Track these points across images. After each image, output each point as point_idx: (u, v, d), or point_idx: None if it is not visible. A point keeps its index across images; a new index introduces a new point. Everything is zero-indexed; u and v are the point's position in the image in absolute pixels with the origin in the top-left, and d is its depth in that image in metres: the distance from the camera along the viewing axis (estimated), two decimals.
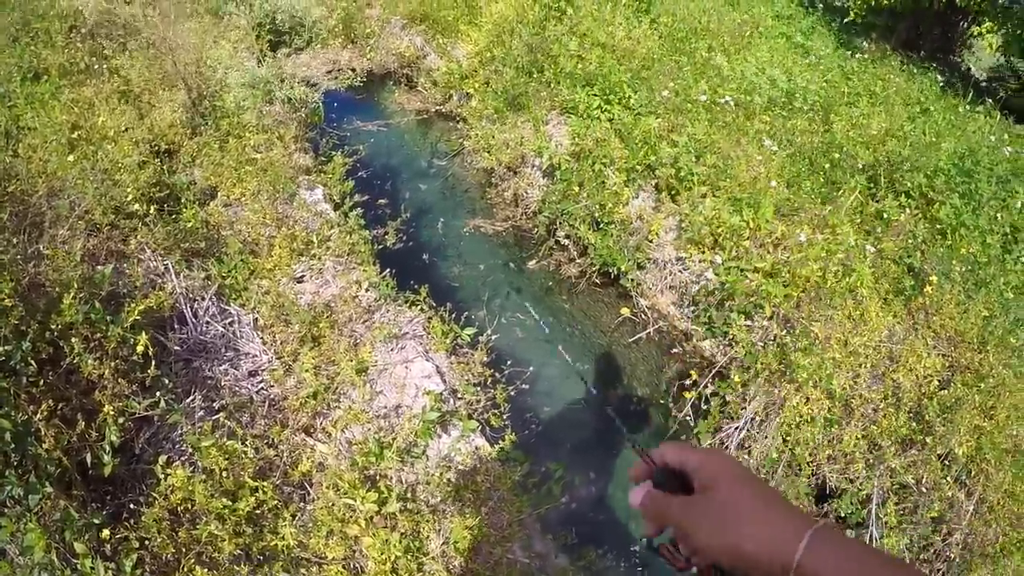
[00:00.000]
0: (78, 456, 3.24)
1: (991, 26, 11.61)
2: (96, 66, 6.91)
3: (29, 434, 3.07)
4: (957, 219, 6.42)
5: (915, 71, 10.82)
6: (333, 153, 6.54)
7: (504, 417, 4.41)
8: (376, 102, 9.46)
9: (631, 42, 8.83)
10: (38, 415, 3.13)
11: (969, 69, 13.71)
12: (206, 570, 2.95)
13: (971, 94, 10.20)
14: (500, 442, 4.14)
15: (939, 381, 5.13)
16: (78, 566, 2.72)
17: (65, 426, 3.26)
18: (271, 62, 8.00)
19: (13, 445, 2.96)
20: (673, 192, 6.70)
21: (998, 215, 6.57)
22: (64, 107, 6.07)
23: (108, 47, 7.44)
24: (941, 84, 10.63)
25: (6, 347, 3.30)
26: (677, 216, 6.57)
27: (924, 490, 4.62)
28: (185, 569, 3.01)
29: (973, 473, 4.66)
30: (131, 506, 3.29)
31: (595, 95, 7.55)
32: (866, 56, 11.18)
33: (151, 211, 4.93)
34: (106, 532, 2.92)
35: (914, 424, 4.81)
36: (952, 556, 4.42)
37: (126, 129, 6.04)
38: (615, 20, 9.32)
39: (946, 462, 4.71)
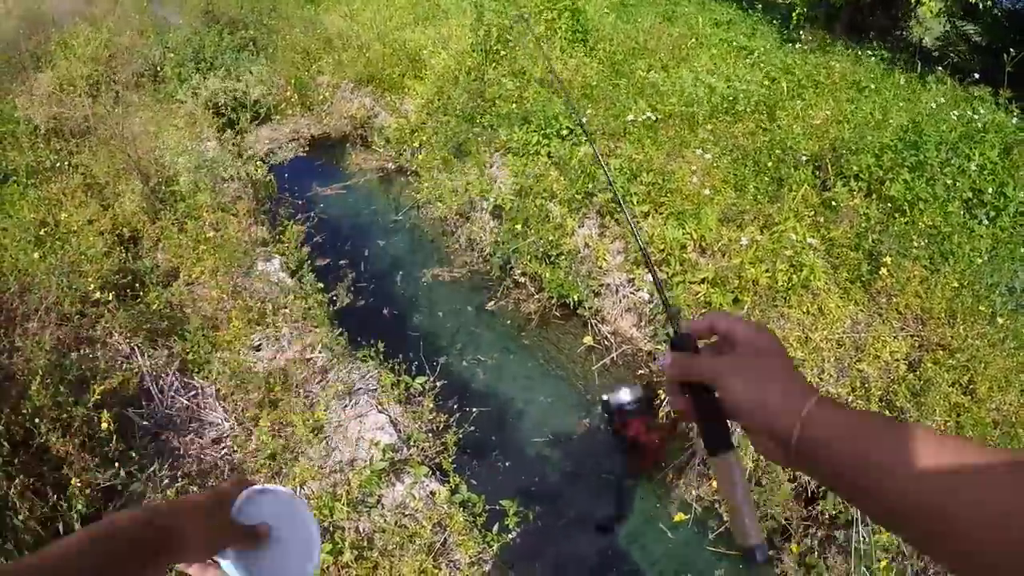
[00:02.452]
0: (51, 526, 3.57)
1: None
2: (60, 163, 7.29)
3: (5, 507, 3.42)
4: (911, 193, 6.39)
5: (860, 54, 10.86)
6: (288, 223, 6.85)
7: (452, 460, 4.60)
8: (335, 165, 9.79)
9: (569, 72, 9.17)
10: (12, 490, 3.49)
11: (921, 41, 13.79)
12: None
13: (919, 66, 10.21)
14: (448, 484, 4.41)
15: (908, 364, 5.14)
16: None
17: (38, 499, 3.61)
18: (227, 141, 8.39)
19: None
20: (615, 215, 6.89)
21: (955, 181, 6.51)
22: (32, 205, 6.42)
23: (70, 145, 7.83)
24: (888, 61, 10.68)
25: None
26: (622, 239, 6.79)
27: None
28: None
29: None
30: None
31: (532, 131, 7.83)
32: (807, 47, 11.28)
33: (111, 298, 5.26)
34: None
35: (886, 412, 4.77)
36: None
37: (91, 221, 6.36)
38: (552, 54, 9.70)
39: None
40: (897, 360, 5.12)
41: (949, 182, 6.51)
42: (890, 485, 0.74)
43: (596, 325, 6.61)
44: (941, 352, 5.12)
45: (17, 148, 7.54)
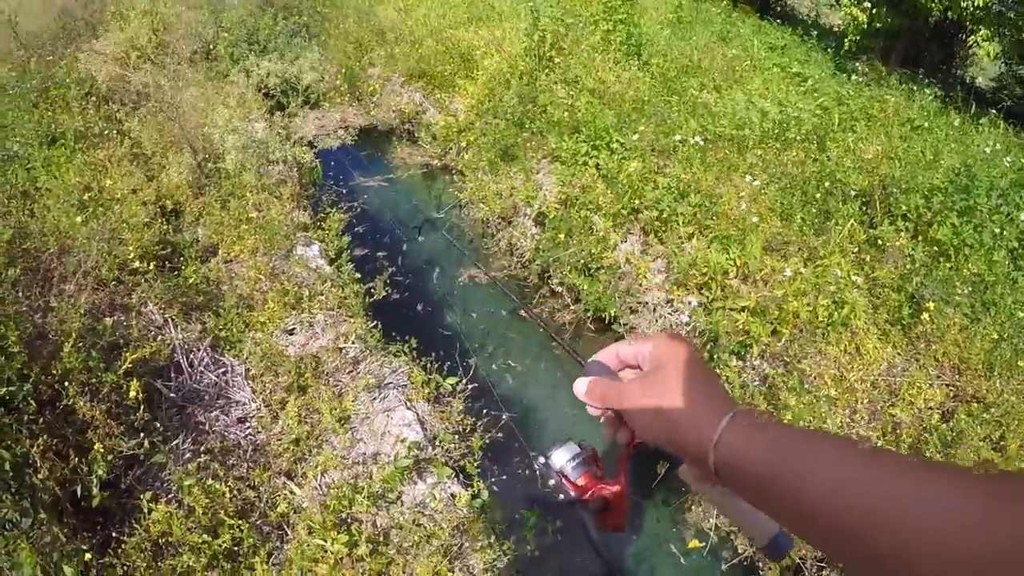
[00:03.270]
0: (70, 488, 3.53)
1: (987, 34, 11.48)
2: (109, 130, 7.31)
3: (27, 465, 3.38)
4: (957, 238, 6.25)
5: (914, 89, 10.70)
6: (331, 210, 6.84)
7: (477, 464, 4.54)
8: (380, 157, 9.80)
9: (621, 85, 9.09)
10: (35, 448, 3.44)
11: (974, 81, 13.60)
12: None
13: (974, 107, 10.03)
14: (471, 489, 4.33)
15: (941, 413, 5.02)
16: None
17: (59, 460, 3.57)
18: (276, 123, 8.38)
19: (12, 474, 3.26)
20: (659, 234, 6.81)
21: (1003, 230, 6.37)
22: (77, 170, 6.42)
23: (121, 112, 7.86)
24: (941, 99, 10.47)
25: (10, 388, 3.61)
26: (664, 258, 6.69)
27: None
28: None
29: None
30: (117, 537, 3.56)
31: (582, 142, 7.75)
32: (862, 79, 11.16)
33: (151, 268, 5.24)
34: (88, 556, 3.20)
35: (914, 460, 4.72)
36: None
37: (134, 190, 6.36)
38: (605, 65, 9.63)
39: None
40: (931, 408, 5.02)
41: (997, 230, 6.38)
42: (809, 498, 0.66)
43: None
44: (976, 405, 5.00)
45: (67, 111, 7.56)
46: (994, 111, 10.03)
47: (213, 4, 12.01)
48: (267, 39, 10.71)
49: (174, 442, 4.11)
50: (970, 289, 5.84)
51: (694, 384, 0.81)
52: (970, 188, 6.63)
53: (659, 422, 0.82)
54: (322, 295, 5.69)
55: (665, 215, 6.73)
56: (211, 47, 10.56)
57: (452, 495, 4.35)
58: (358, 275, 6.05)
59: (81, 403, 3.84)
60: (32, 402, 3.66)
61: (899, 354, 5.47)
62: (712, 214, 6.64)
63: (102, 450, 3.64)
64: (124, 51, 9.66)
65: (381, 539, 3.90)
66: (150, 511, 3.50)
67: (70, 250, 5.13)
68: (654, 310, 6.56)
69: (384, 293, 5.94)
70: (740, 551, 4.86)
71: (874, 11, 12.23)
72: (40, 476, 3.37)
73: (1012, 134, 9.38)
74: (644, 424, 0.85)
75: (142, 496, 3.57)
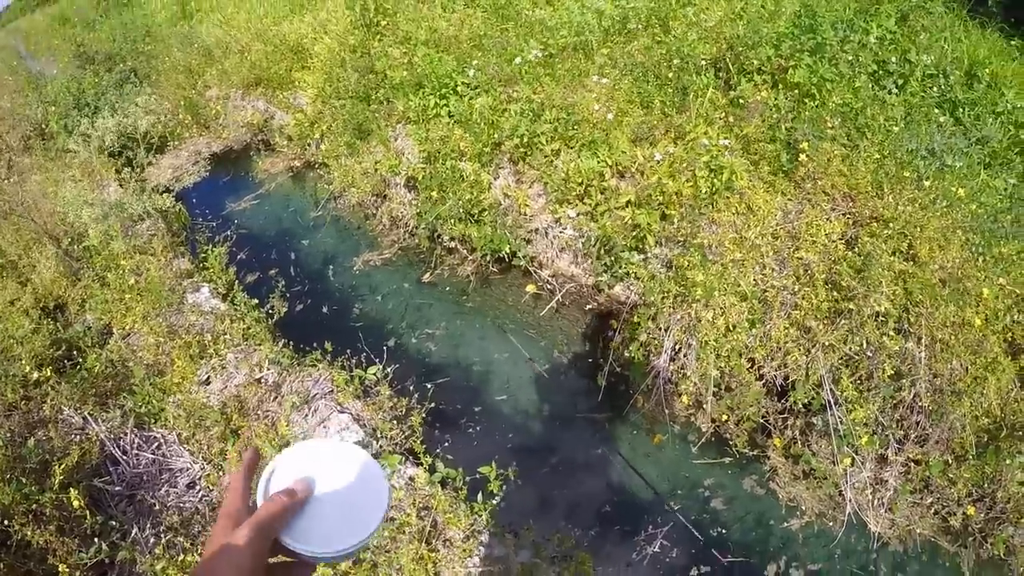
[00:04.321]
0: None
1: None
2: None
3: None
4: (815, 76, 6.36)
5: None
6: (208, 247, 6.79)
7: (421, 441, 4.68)
8: (244, 176, 9.70)
9: (454, 28, 9.03)
10: None
11: None
12: None
13: None
14: (423, 466, 4.47)
15: (845, 242, 5.16)
16: None
17: None
18: (128, 180, 8.25)
19: None
20: (527, 159, 6.84)
21: (858, 57, 6.51)
22: None
23: None
24: None
25: None
26: (539, 181, 6.76)
27: (870, 354, 4.62)
28: None
29: (913, 319, 4.63)
30: None
31: (428, 95, 7.75)
32: None
33: (50, 374, 5.24)
34: None
35: (835, 294, 4.84)
36: (925, 404, 4.46)
37: (12, 302, 6.28)
38: (433, 13, 9.56)
39: (881, 319, 4.68)
40: (834, 241, 5.17)
41: (851, 59, 6.53)
42: None
43: (535, 271, 6.67)
44: (876, 224, 5.18)
45: None
46: None
47: (33, 81, 11.67)
48: (96, 98, 10.47)
49: (132, 533, 4.19)
50: (840, 120, 6.01)
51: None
52: (815, 27, 6.75)
53: None
54: (225, 334, 5.73)
55: (526, 139, 6.76)
56: (43, 126, 10.29)
57: (411, 478, 4.50)
58: (255, 301, 6.06)
59: (29, 532, 3.90)
60: None
61: (790, 200, 5.62)
62: (572, 124, 6.68)
63: (67, 570, 3.72)
64: None
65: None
66: None
67: None
68: (546, 233, 6.69)
69: (284, 309, 6.00)
70: (704, 430, 5.09)
71: None
72: None
73: None
74: None
75: None
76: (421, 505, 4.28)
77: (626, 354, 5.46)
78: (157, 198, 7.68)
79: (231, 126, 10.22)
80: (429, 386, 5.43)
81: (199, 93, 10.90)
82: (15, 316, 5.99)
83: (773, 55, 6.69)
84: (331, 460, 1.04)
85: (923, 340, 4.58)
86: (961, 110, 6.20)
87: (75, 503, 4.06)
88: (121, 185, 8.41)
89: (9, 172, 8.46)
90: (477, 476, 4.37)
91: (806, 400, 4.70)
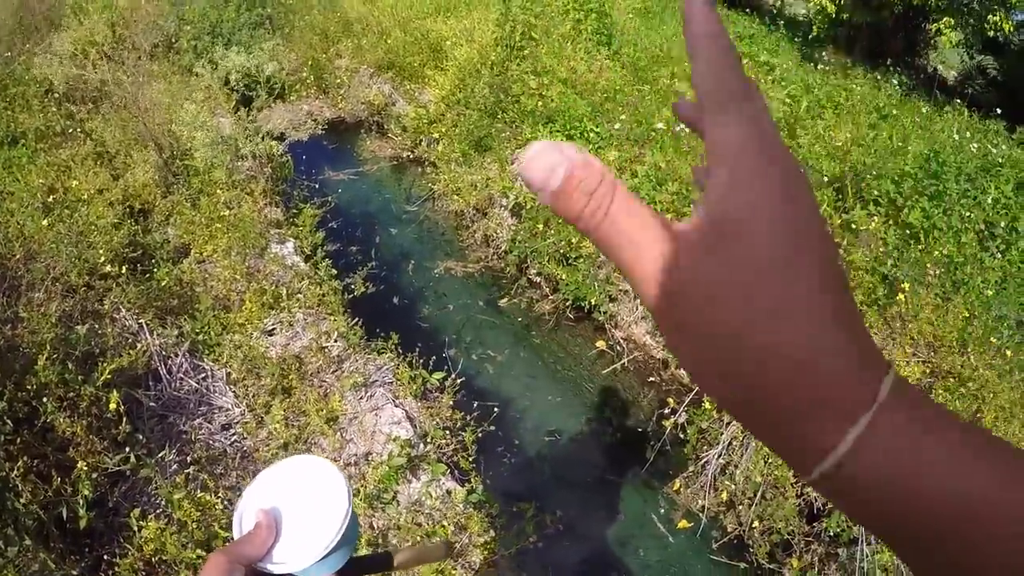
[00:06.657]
0: (55, 510, 3.38)
1: (949, 21, 11.70)
2: (72, 129, 7.09)
3: (7, 489, 3.22)
4: (928, 221, 6.33)
5: (879, 78, 10.86)
6: (303, 205, 6.70)
7: (471, 459, 4.50)
8: (349, 150, 9.65)
9: (592, 75, 9.01)
10: (15, 471, 3.28)
11: (936, 70, 13.85)
12: None
13: (938, 95, 10.24)
14: (468, 484, 4.28)
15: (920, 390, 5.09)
16: None
17: (41, 482, 3.42)
18: (243, 118, 8.18)
19: None
20: None
21: (970, 213, 6.45)
22: (40, 170, 6.23)
23: (82, 110, 7.64)
24: (907, 88, 10.65)
25: None
26: None
27: None
28: None
29: None
30: (107, 558, 3.42)
31: (557, 131, 7.69)
32: (828, 68, 11.25)
33: (123, 272, 5.09)
34: None
35: None
36: None
37: (101, 191, 6.19)
38: (576, 54, 9.54)
39: None
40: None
41: (965, 213, 6.46)
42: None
43: (610, 330, 6.50)
44: (952, 380, 5.09)
45: (27, 110, 7.33)
46: (958, 100, 10.17)
47: None
48: (231, 32, 10.49)
49: (159, 454, 3.97)
50: (941, 270, 5.92)
51: (828, 303, 0.38)
52: (939, 173, 6.73)
53: (741, 354, 0.37)
54: (300, 293, 5.57)
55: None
56: (173, 40, 10.33)
57: (448, 491, 4.28)
58: (334, 271, 5.96)
59: (60, 419, 3.68)
60: (8, 421, 3.50)
61: (876, 333, 5.51)
62: (690, 202, 6.56)
63: (86, 468, 3.50)
64: (82, 48, 9.40)
65: (380, 541, 3.82)
66: (140, 529, 3.36)
67: (37, 256, 4.97)
68: (634, 297, 6.51)
69: (363, 289, 5.83)
70: (730, 530, 4.89)
71: (842, 2, 12.35)
72: (23, 500, 3.23)
73: (976, 121, 9.56)
74: (687, 368, 0.41)
75: (130, 514, 3.43)
76: (454, 521, 4.04)
77: (681, 436, 5.27)
78: (269, 143, 7.57)
79: (351, 99, 10.18)
80: (495, 408, 5.19)
81: (329, 60, 10.89)
82: (100, 205, 5.87)
83: (893, 190, 6.65)
84: (289, 477, 0.99)
85: None
86: None
87: (112, 405, 3.85)
88: (235, 120, 8.34)
89: (134, 72, 8.40)
90: (514, 510, 4.23)
91: (838, 530, 4.56)
